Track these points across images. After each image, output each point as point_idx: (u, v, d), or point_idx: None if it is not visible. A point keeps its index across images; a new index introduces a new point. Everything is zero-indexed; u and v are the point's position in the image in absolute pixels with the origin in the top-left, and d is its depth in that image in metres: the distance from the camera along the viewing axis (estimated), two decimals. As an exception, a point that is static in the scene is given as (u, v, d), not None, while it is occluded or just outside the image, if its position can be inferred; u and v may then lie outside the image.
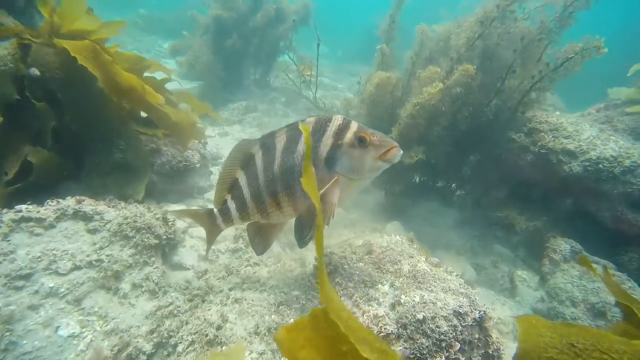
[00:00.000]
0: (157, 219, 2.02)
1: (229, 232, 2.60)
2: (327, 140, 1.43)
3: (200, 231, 2.74)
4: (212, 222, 1.75)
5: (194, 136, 3.21)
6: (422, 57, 3.55)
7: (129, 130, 2.58)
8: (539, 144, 3.38)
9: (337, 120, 1.46)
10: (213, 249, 2.31)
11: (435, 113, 3.12)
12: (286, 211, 1.57)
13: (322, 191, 1.36)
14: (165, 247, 2.08)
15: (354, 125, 1.44)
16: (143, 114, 2.88)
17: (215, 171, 4.03)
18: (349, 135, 1.41)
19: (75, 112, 2.38)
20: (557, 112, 3.81)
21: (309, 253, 2.24)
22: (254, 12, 7.04)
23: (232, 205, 1.67)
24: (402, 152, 1.44)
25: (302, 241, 1.50)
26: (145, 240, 1.91)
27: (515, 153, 3.56)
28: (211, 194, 3.29)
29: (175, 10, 13.32)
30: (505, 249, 3.77)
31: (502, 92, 3.33)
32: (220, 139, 5.40)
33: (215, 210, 1.74)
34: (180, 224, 2.64)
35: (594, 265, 2.83)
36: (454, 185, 3.88)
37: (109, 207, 2.05)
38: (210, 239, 1.82)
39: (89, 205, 1.94)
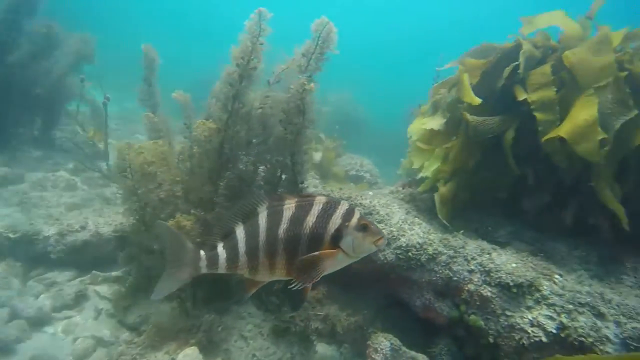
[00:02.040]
0: None
1: None
2: (336, 220, 1.76)
3: None
4: (194, 261, 1.84)
5: None
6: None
7: None
8: (354, 229, 3.28)
9: (345, 205, 1.82)
10: None
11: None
12: (277, 273, 1.82)
13: (321, 257, 1.72)
14: None
15: (357, 213, 1.81)
16: None
17: None
18: (354, 220, 1.76)
19: None
20: (371, 193, 3.90)
21: None
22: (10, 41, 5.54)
23: (222, 253, 1.84)
24: (387, 241, 1.97)
25: (296, 305, 2.05)
26: None
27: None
28: None
29: None
30: (331, 347, 3.45)
31: (287, 166, 3.11)
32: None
33: (202, 251, 1.86)
34: None
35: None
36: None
37: None
38: (181, 279, 1.86)
39: None
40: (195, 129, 2.71)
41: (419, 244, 3.07)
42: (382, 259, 3.15)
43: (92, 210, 4.19)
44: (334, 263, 1.78)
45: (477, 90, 3.50)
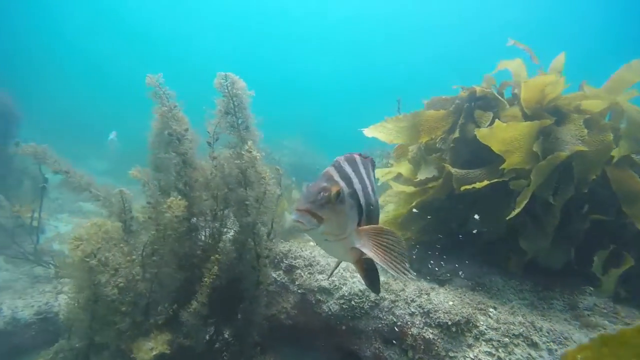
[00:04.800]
0: None
1: None
2: None
3: None
4: None
5: None
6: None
7: None
8: (297, 283, 3.30)
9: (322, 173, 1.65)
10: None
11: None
12: None
13: None
14: None
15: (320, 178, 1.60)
16: None
17: None
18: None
19: None
20: (312, 243, 3.93)
21: None
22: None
23: None
24: (297, 215, 1.44)
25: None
26: None
27: (277, 293, 3.38)
28: None
29: None
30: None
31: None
32: None
33: None
34: None
35: None
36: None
37: None
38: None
39: None
40: (167, 209, 2.30)
41: (360, 291, 3.12)
42: (327, 310, 3.15)
43: (12, 292, 3.89)
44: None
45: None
